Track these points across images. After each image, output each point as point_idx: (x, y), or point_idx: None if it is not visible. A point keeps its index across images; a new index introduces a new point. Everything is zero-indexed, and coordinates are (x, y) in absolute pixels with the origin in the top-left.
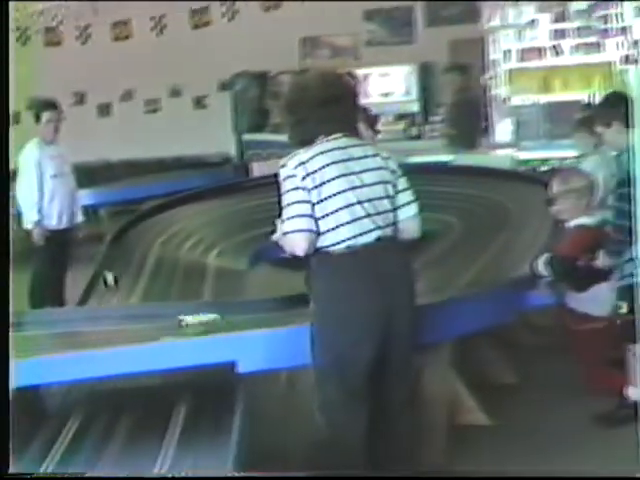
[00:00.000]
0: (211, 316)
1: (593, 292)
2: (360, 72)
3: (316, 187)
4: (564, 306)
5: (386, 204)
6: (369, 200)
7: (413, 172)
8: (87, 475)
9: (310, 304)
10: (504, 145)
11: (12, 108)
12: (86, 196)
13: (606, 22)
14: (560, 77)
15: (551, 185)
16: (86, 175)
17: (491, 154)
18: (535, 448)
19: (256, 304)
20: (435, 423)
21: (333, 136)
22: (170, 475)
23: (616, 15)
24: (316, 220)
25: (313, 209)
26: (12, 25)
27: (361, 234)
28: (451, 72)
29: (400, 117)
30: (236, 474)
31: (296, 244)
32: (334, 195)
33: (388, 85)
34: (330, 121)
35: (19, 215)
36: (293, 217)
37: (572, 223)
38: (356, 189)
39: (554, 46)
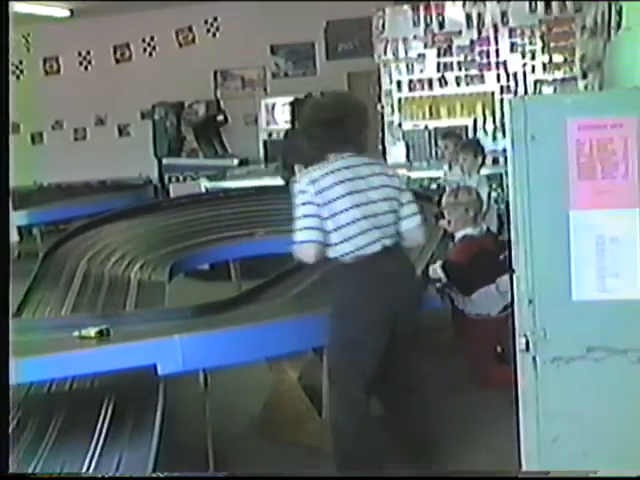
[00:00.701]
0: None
1: (479, 294)
2: (267, 102)
3: (326, 204)
4: (455, 309)
5: (390, 218)
6: (375, 215)
7: None
8: (87, 475)
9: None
10: (398, 166)
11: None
12: (21, 216)
13: (487, 57)
14: (446, 105)
15: (442, 200)
16: (21, 197)
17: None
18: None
19: (174, 312)
20: None
21: (342, 155)
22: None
23: (495, 51)
24: (326, 232)
25: (323, 223)
26: None
27: (368, 244)
28: None
29: None
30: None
31: (305, 253)
32: (342, 212)
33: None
34: (340, 139)
35: None
36: (303, 229)
37: (460, 234)
38: (362, 206)
39: (440, 77)
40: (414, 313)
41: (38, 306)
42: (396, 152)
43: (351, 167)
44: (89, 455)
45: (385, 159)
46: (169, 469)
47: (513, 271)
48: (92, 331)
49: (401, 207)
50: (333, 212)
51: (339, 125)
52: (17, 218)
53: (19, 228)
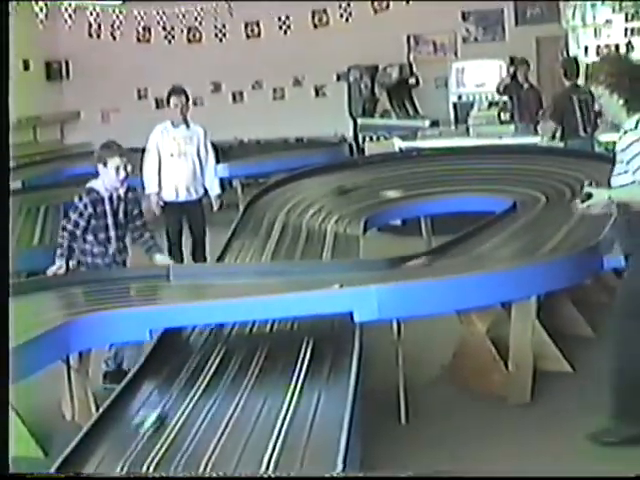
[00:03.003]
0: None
1: None
2: (458, 65)
3: None
4: None
5: None
6: None
7: (504, 152)
8: (87, 475)
9: None
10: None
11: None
12: (223, 169)
13: None
14: None
15: None
16: (223, 152)
17: None
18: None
19: (370, 263)
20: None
21: None
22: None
23: None
24: None
25: None
26: None
27: None
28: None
29: (492, 104)
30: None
31: None
32: None
33: (482, 77)
34: None
35: (142, 186)
36: None
37: None
38: None
39: (627, 43)
40: None
41: (239, 253)
42: None
43: None
44: (289, 392)
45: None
46: (363, 413)
47: None
48: None
49: None
50: None
51: None
52: (219, 170)
53: (221, 180)
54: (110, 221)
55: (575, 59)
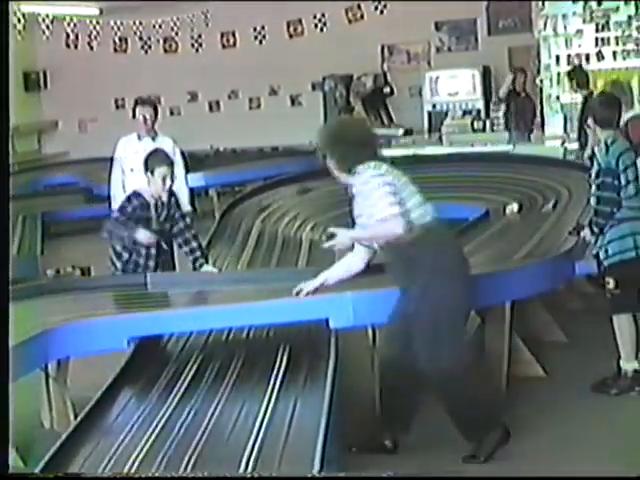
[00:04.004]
0: None
1: None
2: (431, 74)
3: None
4: None
5: None
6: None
7: (477, 160)
8: (87, 475)
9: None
10: (555, 137)
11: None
12: (198, 178)
13: None
14: (602, 78)
15: None
16: (198, 161)
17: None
18: (583, 397)
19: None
20: (496, 373)
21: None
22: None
23: None
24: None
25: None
26: None
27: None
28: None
29: (465, 113)
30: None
31: (394, 227)
32: (410, 195)
33: (455, 86)
34: (370, 150)
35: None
36: (391, 205)
37: None
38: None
39: (598, 52)
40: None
41: (216, 261)
42: (554, 124)
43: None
44: (266, 398)
45: (543, 130)
46: (340, 419)
47: None
48: None
49: None
50: (403, 195)
51: (370, 140)
52: (195, 179)
53: (194, 190)
54: (154, 226)
55: (582, 68)
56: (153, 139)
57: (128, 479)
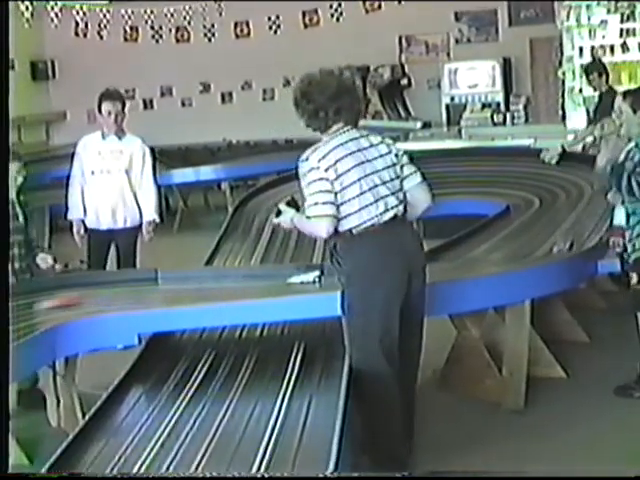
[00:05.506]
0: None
1: None
2: (450, 66)
3: (337, 178)
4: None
5: (397, 184)
6: (383, 183)
7: (497, 154)
8: (86, 475)
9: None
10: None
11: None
12: (210, 172)
13: None
14: (627, 70)
15: None
16: (211, 153)
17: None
18: (605, 399)
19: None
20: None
21: (344, 128)
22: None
23: None
24: (338, 206)
25: (335, 197)
26: None
27: (381, 214)
28: None
29: (485, 106)
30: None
31: (321, 228)
32: (353, 183)
33: (474, 78)
34: (342, 111)
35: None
36: (318, 204)
37: None
38: (370, 175)
39: (622, 43)
40: (424, 280)
41: (228, 256)
42: (576, 117)
43: (354, 139)
44: (280, 397)
45: (565, 124)
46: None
47: None
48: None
49: (401, 170)
50: (344, 185)
51: (341, 97)
52: (206, 173)
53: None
54: None
55: (601, 62)
56: (120, 138)
57: (132, 479)
